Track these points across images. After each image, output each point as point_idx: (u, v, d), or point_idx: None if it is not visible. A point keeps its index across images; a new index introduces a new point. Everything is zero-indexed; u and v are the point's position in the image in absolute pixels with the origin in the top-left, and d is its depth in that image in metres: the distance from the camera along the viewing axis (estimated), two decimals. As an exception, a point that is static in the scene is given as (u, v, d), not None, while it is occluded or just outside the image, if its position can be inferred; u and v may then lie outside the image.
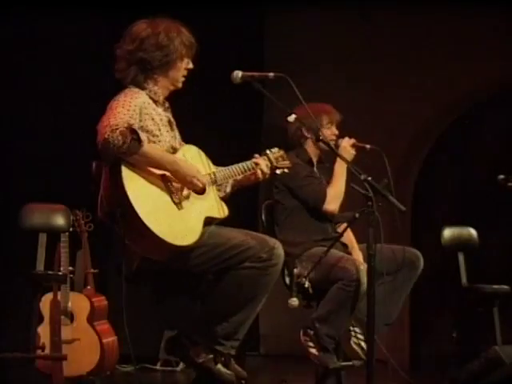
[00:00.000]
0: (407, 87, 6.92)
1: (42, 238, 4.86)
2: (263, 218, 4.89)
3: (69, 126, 6.24)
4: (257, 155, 4.09)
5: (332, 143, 4.68)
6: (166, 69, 3.90)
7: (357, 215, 4.23)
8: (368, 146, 4.76)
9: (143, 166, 3.67)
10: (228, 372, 3.86)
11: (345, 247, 4.80)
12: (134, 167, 3.65)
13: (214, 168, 4.00)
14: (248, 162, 4.05)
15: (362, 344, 4.47)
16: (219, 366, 3.85)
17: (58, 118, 6.26)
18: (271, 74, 3.95)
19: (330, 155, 4.82)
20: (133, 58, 3.87)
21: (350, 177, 4.47)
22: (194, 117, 5.83)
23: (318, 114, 4.77)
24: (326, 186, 4.79)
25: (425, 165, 7.16)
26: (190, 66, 3.97)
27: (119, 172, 3.61)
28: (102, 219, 3.72)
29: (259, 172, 4.05)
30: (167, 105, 4.01)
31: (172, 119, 4.02)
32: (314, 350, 4.50)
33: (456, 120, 7.10)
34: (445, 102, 7.02)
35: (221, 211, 3.93)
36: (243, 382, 3.94)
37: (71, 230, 5.09)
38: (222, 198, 4.01)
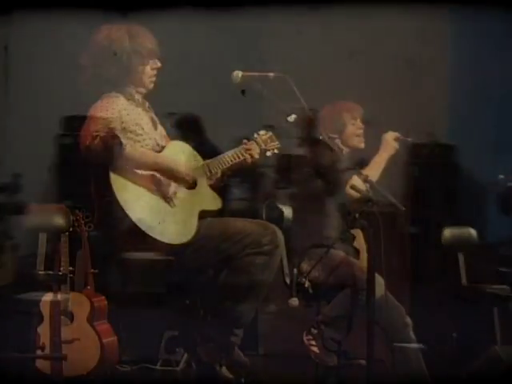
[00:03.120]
0: (407, 87, 6.91)
1: (42, 238, 4.85)
2: (264, 218, 4.88)
3: (69, 125, 6.24)
4: (245, 140, 4.09)
5: (357, 140, 4.76)
6: (127, 78, 3.90)
7: (357, 215, 4.23)
8: (410, 139, 4.77)
9: (129, 168, 3.69)
10: (230, 376, 3.87)
11: (357, 253, 4.79)
12: (120, 171, 3.66)
13: (201, 160, 3.99)
14: (238, 149, 4.06)
15: None
16: (224, 368, 3.85)
17: (57, 117, 6.26)
18: (271, 74, 3.96)
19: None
20: (94, 72, 3.91)
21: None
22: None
23: (338, 114, 4.78)
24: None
25: (425, 165, 7.14)
26: (158, 65, 3.96)
27: (108, 179, 3.62)
28: (96, 226, 3.73)
29: (249, 157, 4.07)
30: (147, 104, 4.01)
31: (155, 118, 4.02)
32: (315, 349, 4.51)
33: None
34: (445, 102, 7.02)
35: (214, 203, 3.91)
36: (242, 380, 3.94)
37: (71, 229, 5.09)
38: (214, 185, 4.00)
